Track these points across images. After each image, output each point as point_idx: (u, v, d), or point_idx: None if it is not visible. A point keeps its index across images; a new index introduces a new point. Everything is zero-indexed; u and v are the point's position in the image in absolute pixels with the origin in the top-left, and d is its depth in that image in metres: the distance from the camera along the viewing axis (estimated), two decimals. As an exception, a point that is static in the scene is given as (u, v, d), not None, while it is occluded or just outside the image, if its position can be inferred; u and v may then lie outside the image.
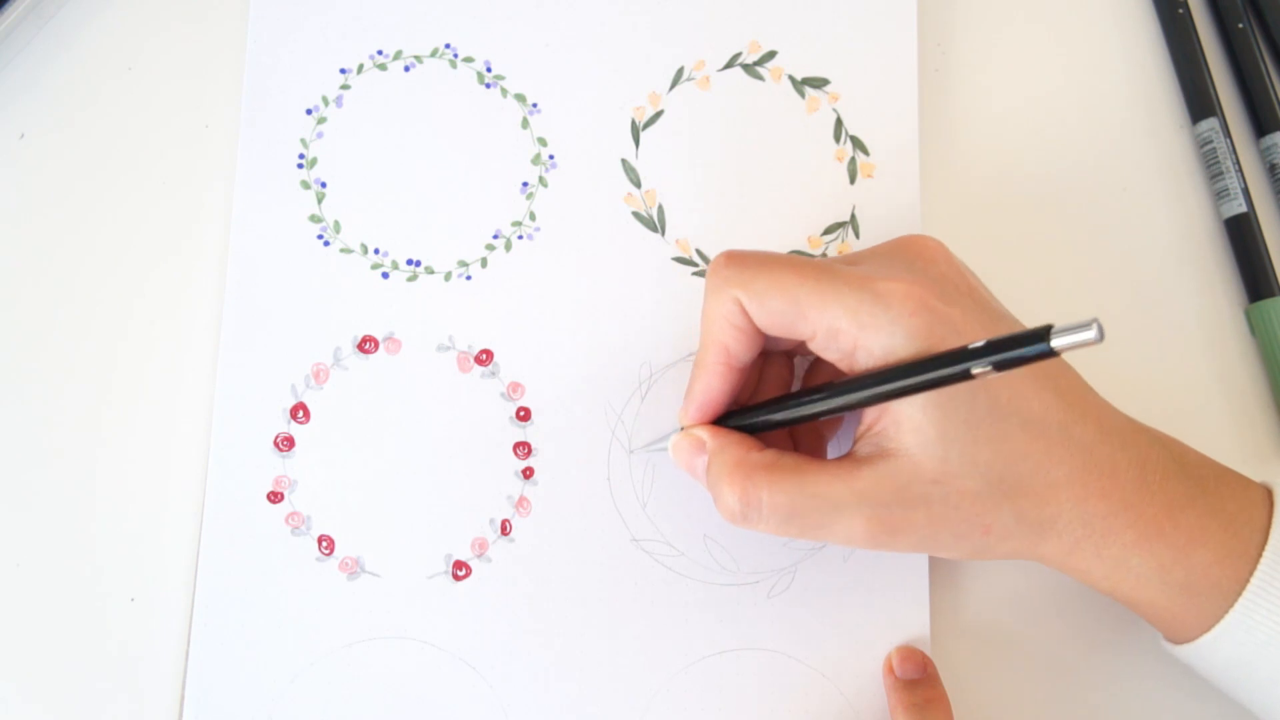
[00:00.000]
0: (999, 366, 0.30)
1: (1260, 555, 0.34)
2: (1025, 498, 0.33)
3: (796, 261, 0.35)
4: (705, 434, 0.36)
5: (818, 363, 0.40)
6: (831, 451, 0.40)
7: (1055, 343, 0.28)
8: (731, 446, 0.35)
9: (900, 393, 0.32)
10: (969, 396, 0.33)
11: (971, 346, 0.30)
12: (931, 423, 0.33)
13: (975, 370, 0.30)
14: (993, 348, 0.30)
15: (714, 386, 0.36)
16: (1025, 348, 0.29)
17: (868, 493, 0.33)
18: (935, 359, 0.31)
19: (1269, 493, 0.35)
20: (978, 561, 0.41)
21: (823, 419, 0.36)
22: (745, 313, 0.35)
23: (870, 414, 0.34)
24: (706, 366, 0.36)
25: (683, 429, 0.37)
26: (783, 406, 0.36)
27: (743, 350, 0.36)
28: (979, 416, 0.33)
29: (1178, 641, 0.36)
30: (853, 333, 0.33)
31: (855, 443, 0.35)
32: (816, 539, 0.35)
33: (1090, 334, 0.27)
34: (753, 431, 0.37)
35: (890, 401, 0.33)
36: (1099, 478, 0.34)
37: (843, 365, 0.35)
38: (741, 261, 0.35)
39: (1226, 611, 0.34)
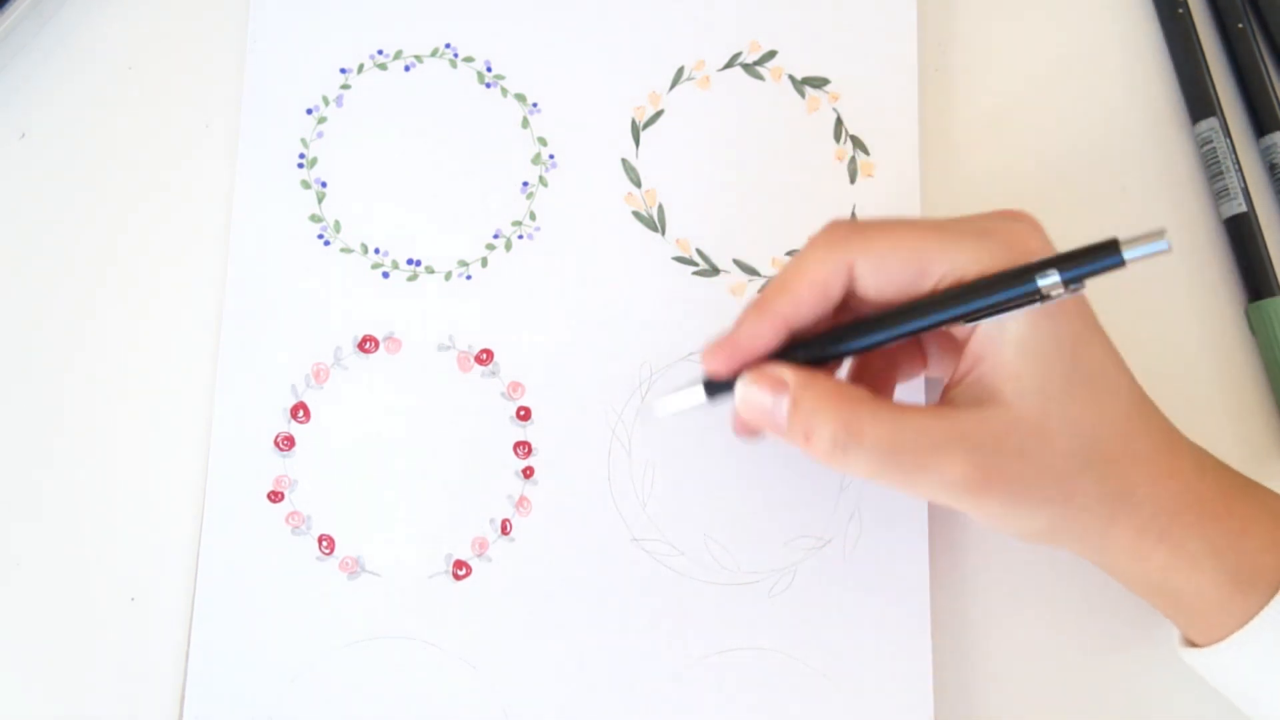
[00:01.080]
0: (1069, 281, 0.30)
1: None
2: (1111, 465, 0.34)
3: (909, 220, 0.35)
4: (785, 371, 0.34)
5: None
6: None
7: (1127, 254, 0.28)
8: (820, 379, 0.33)
9: (978, 312, 0.32)
10: (1068, 355, 0.33)
11: (1038, 260, 0.31)
12: (1031, 375, 0.33)
13: (1043, 283, 0.30)
14: (1061, 260, 0.30)
15: (799, 313, 0.34)
16: (1096, 260, 0.29)
17: (969, 434, 0.33)
18: (1005, 274, 0.32)
19: None
20: (979, 565, 0.41)
21: (894, 363, 0.36)
22: (851, 279, 0.34)
23: (966, 362, 0.34)
24: (792, 292, 0.34)
25: (748, 373, 0.34)
26: (855, 333, 0.34)
27: (810, 311, 0.34)
28: (1076, 377, 0.33)
29: (1210, 640, 0.36)
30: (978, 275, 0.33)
31: (949, 391, 0.35)
32: (908, 483, 0.33)
33: (1163, 244, 0.27)
34: (823, 363, 0.35)
35: (988, 351, 0.33)
36: (1170, 456, 0.35)
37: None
38: (858, 226, 0.34)
39: (1271, 598, 0.34)
